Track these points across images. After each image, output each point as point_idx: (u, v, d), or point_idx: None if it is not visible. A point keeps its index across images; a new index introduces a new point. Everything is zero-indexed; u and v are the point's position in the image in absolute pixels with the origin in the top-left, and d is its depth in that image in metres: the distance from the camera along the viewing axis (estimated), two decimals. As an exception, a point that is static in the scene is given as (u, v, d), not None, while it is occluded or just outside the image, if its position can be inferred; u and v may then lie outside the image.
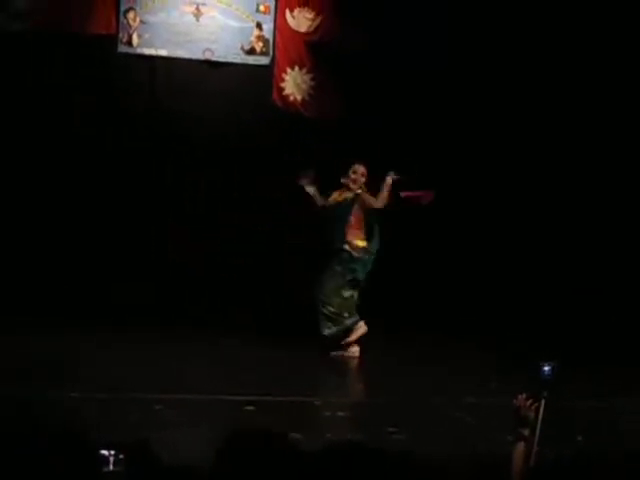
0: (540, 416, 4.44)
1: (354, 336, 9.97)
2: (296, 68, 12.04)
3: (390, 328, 10.63)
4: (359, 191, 10.02)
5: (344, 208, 10.04)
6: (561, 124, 11.99)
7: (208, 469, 2.77)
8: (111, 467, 2.45)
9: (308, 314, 10.00)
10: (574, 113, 11.89)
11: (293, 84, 12.03)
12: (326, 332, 9.92)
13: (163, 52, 11.79)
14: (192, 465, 2.92)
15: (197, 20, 11.84)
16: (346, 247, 9.99)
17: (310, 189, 10.01)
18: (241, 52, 11.96)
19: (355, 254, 9.99)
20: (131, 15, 11.67)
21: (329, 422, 7.55)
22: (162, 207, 11.77)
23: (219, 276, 11.66)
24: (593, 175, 11.95)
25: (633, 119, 11.87)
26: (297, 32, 12.04)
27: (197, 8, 11.83)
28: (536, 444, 4.40)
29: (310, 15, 12.02)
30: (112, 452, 2.46)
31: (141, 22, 11.70)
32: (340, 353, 9.89)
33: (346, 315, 9.92)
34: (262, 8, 11.98)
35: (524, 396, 4.49)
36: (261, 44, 11.99)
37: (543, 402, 4.45)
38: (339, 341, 9.93)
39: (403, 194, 9.97)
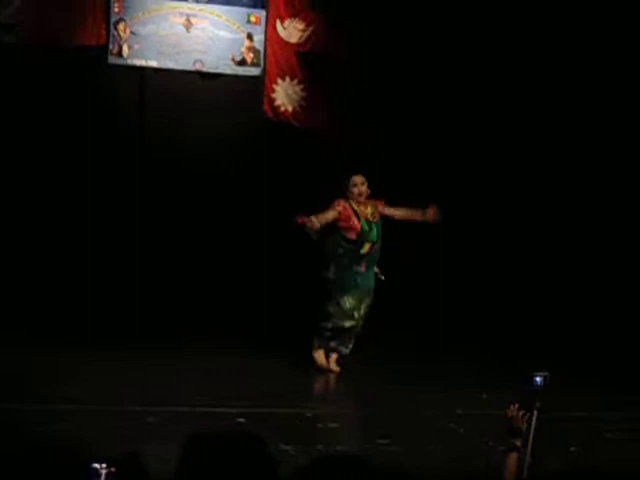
0: (532, 427, 4.43)
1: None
2: (287, 79, 12.05)
3: (380, 340, 10.59)
4: (378, 204, 9.69)
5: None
6: (556, 135, 12.00)
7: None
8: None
9: (297, 326, 9.97)
10: (572, 123, 11.90)
11: (284, 95, 12.03)
12: (348, 351, 9.79)
13: (153, 63, 11.79)
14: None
15: (187, 31, 11.84)
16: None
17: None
18: (232, 63, 11.96)
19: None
20: (121, 26, 11.67)
21: (320, 434, 7.53)
22: (150, 218, 11.73)
23: (210, 290, 11.61)
24: (588, 184, 11.96)
25: (634, 121, 11.86)
26: (288, 43, 12.05)
27: (187, 19, 11.83)
28: (529, 455, 4.40)
29: (301, 26, 12.03)
30: (103, 465, 2.44)
31: (131, 33, 11.69)
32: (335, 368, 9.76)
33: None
34: (253, 19, 11.98)
35: (516, 407, 4.48)
36: (252, 55, 11.99)
37: (535, 413, 4.44)
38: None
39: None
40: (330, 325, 9.55)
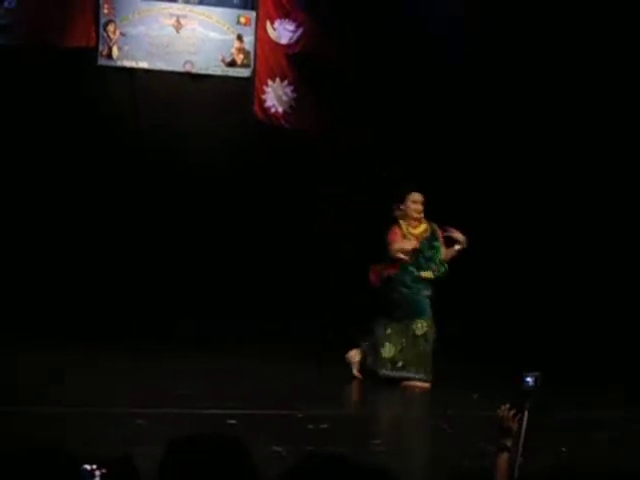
0: (523, 427, 4.43)
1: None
2: (277, 80, 12.05)
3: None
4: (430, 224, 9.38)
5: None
6: (553, 134, 11.99)
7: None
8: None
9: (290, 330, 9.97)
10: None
11: (274, 96, 12.04)
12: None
13: (143, 64, 11.78)
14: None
15: (177, 32, 11.84)
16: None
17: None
18: (222, 64, 11.96)
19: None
20: (111, 28, 11.66)
21: (311, 435, 7.52)
22: (141, 219, 11.70)
23: (201, 289, 11.61)
24: (587, 184, 11.95)
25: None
26: (278, 44, 12.06)
27: (177, 20, 11.83)
28: (519, 455, 4.39)
29: (291, 27, 12.03)
30: (95, 466, 2.44)
31: (121, 35, 11.69)
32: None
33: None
34: (243, 20, 11.99)
35: (507, 407, 4.48)
36: (242, 56, 11.99)
37: (526, 413, 4.44)
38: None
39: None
40: None
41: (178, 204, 11.83)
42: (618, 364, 10.26)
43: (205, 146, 11.85)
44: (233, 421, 7.40)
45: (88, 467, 2.40)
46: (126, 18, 11.71)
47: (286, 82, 12.07)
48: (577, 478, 5.73)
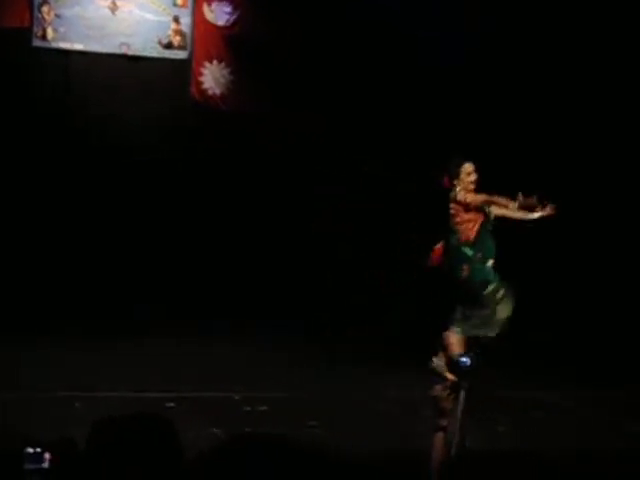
0: (460, 407, 4.50)
1: None
2: (215, 62, 12.00)
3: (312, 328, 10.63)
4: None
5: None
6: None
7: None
8: (36, 465, 2.43)
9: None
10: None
11: (212, 78, 11.99)
12: None
13: (79, 46, 11.66)
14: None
15: (113, 14, 11.73)
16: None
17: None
18: (158, 46, 11.88)
19: None
20: (45, 9, 11.53)
21: (249, 417, 7.55)
22: (72, 203, 11.54)
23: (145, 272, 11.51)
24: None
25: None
26: (215, 26, 12.00)
27: (113, 2, 11.72)
28: (456, 435, 4.47)
29: (228, 9, 11.98)
30: (38, 450, 2.45)
31: (56, 16, 11.55)
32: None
33: None
34: (179, 2, 11.91)
35: (440, 387, 4.55)
36: (179, 38, 11.92)
37: (462, 393, 4.50)
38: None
39: None
40: None
41: (113, 187, 11.67)
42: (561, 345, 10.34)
43: (141, 128, 11.73)
44: (172, 404, 7.41)
45: (32, 450, 2.40)
46: (61, -1, 11.59)
47: (223, 64, 12.01)
48: (513, 457, 5.80)
